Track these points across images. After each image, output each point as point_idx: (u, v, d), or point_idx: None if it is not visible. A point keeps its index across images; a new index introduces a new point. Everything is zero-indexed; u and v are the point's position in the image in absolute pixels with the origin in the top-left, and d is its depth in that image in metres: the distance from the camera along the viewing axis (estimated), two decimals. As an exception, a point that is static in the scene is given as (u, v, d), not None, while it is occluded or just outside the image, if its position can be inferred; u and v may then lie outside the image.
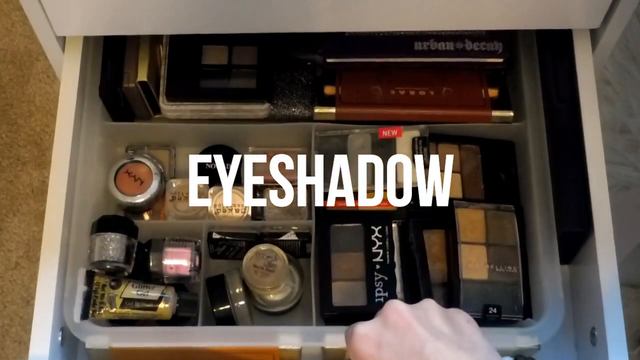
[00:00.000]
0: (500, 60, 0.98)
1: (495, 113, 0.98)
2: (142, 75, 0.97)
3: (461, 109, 0.98)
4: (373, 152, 0.96)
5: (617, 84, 1.50)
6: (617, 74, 1.50)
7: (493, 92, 0.99)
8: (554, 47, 0.96)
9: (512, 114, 0.98)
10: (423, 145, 0.95)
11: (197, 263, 0.92)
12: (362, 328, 0.67)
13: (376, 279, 0.92)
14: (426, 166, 0.94)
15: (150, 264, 0.92)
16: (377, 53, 0.98)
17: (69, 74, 0.95)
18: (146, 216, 1.01)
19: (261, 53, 0.99)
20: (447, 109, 0.98)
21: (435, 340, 0.65)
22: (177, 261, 0.92)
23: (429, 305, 0.68)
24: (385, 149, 0.96)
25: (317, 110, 0.99)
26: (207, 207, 0.98)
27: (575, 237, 0.92)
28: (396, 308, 0.67)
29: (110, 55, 0.98)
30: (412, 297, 0.92)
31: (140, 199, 0.98)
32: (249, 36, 0.96)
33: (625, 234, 1.30)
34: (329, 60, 0.99)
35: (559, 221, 0.91)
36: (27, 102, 1.55)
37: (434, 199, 0.95)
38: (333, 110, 0.98)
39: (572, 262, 0.97)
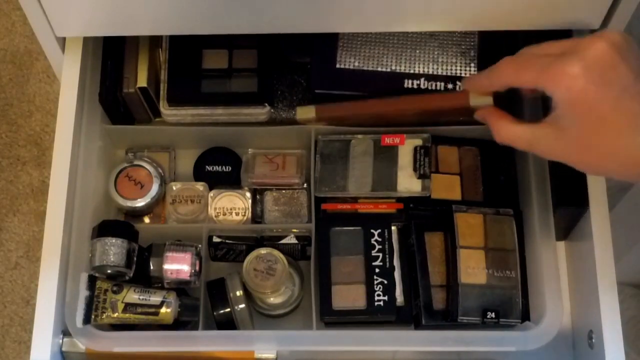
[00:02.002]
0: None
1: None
2: (142, 81, 0.97)
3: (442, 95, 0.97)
4: (375, 158, 0.96)
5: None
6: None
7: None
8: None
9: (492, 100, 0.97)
10: (424, 155, 0.95)
11: (197, 268, 0.92)
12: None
13: (376, 282, 0.93)
14: (426, 176, 0.95)
15: (151, 268, 0.92)
16: (367, 88, 0.97)
17: (69, 75, 0.95)
18: (146, 220, 1.01)
19: (261, 56, 1.00)
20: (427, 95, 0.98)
21: None
22: (178, 266, 0.92)
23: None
24: (386, 155, 0.96)
25: (298, 109, 0.98)
26: (207, 211, 0.98)
27: (570, 213, 0.93)
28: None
29: (109, 60, 0.98)
30: (411, 300, 0.93)
31: (140, 202, 0.98)
32: (249, 39, 0.96)
33: (625, 234, 1.30)
34: (317, 91, 0.98)
35: (554, 197, 0.92)
36: (27, 102, 1.55)
37: (434, 202, 0.95)
38: (313, 108, 0.96)
39: (568, 238, 1.00)
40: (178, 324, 0.91)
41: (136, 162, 1.00)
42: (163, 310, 0.90)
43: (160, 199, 1.00)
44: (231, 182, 1.01)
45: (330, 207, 0.97)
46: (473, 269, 0.92)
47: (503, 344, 0.89)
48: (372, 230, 0.95)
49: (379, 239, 0.95)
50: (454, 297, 0.91)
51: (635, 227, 1.30)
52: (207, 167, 1.03)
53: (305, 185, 1.00)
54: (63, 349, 0.89)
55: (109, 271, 0.90)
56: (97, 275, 0.91)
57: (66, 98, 0.95)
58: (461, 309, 0.90)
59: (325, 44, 0.98)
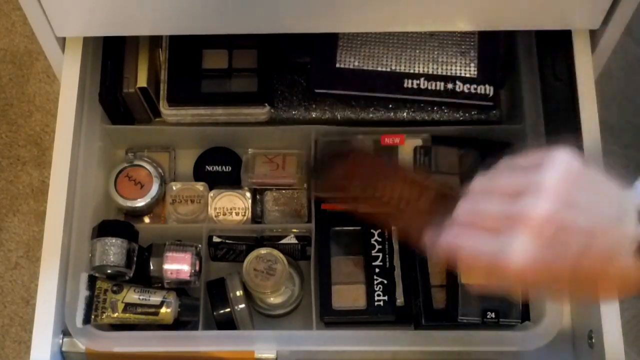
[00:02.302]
0: (491, 104, 0.99)
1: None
2: (142, 81, 0.98)
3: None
4: (375, 159, 0.96)
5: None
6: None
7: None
8: (554, 48, 0.96)
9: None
10: (425, 155, 0.95)
11: (197, 268, 0.92)
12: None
13: (376, 282, 0.93)
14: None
15: (151, 268, 0.92)
16: (367, 87, 0.98)
17: (69, 75, 0.96)
18: (146, 219, 1.01)
19: (261, 56, 1.00)
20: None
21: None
22: (178, 266, 0.92)
23: None
24: (386, 155, 0.96)
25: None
26: (207, 211, 0.98)
27: None
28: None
29: (109, 60, 0.98)
30: (411, 300, 0.93)
31: (140, 202, 0.98)
32: (249, 39, 0.96)
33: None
34: (317, 91, 0.99)
35: None
36: (27, 102, 1.55)
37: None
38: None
39: None
40: (178, 324, 0.91)
41: (136, 162, 1.00)
42: (163, 310, 0.90)
43: (160, 199, 1.00)
44: (231, 182, 1.01)
45: (330, 207, 0.97)
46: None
47: (503, 344, 0.89)
48: (372, 230, 0.95)
49: (379, 239, 0.95)
50: (454, 297, 0.91)
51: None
52: (207, 167, 1.03)
53: (305, 185, 1.00)
54: (63, 349, 0.89)
55: (109, 271, 0.90)
56: (97, 275, 0.91)
57: (66, 98, 0.95)
58: (461, 309, 0.90)
59: (325, 44, 0.99)
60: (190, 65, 0.99)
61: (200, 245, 0.93)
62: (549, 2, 0.87)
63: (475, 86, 0.98)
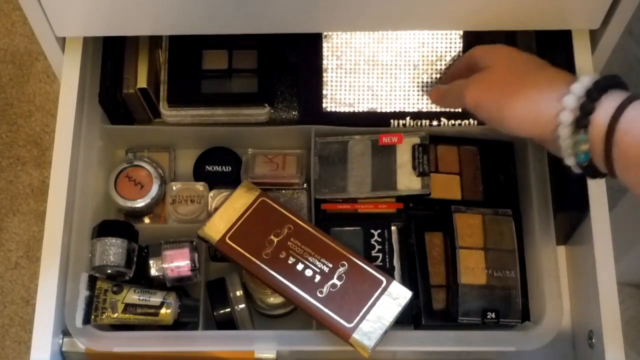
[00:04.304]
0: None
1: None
2: (142, 82, 0.98)
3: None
4: (373, 158, 0.96)
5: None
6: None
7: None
8: (554, 48, 0.96)
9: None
10: (423, 153, 0.95)
11: (196, 262, 0.92)
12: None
13: (376, 282, 0.93)
14: (426, 174, 0.95)
15: (151, 269, 0.92)
16: (353, 124, 0.99)
17: (69, 75, 0.96)
18: (147, 220, 1.01)
19: (261, 56, 1.00)
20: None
21: None
22: (177, 263, 0.92)
23: None
24: (385, 155, 0.96)
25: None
26: (207, 211, 0.98)
27: (570, 218, 0.94)
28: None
29: (109, 60, 0.98)
30: (411, 300, 0.93)
31: (140, 203, 0.98)
32: (249, 40, 0.96)
33: (625, 235, 1.30)
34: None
35: (555, 202, 0.93)
36: (27, 102, 1.55)
37: (434, 201, 0.95)
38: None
39: (568, 243, 1.00)
40: (178, 325, 0.91)
41: (136, 163, 1.00)
42: (163, 311, 0.90)
43: (160, 199, 1.00)
44: (231, 182, 1.01)
45: (330, 207, 0.97)
46: (472, 270, 0.92)
47: (503, 344, 0.89)
48: (372, 231, 0.95)
49: (379, 239, 0.95)
50: (453, 297, 0.91)
51: (635, 227, 1.30)
52: (207, 167, 1.03)
53: (305, 185, 1.00)
54: (63, 349, 0.89)
55: (109, 271, 0.90)
56: (97, 275, 0.91)
57: (66, 98, 0.95)
58: (461, 309, 0.90)
59: (310, 90, 1.00)
60: (190, 66, 0.99)
61: (195, 240, 0.93)
62: (549, 2, 0.87)
63: (460, 121, 1.00)
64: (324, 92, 0.99)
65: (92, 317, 0.89)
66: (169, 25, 0.90)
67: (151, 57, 1.00)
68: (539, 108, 0.77)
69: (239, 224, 0.91)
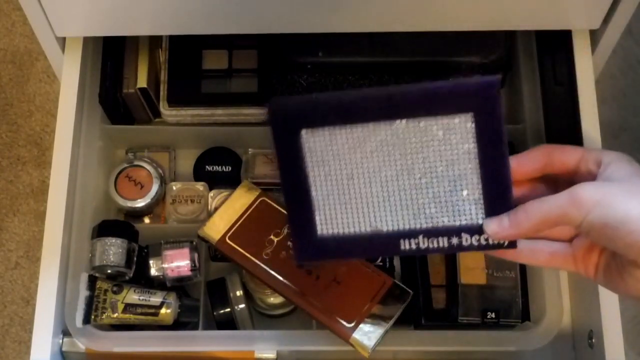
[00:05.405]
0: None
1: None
2: (142, 82, 0.98)
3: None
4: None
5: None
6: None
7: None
8: (554, 48, 0.96)
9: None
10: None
11: (196, 262, 0.92)
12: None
13: (376, 282, 0.92)
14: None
15: (151, 269, 0.92)
16: (357, 253, 0.79)
17: (69, 75, 0.96)
18: (147, 220, 1.01)
19: (261, 56, 1.00)
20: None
21: None
22: (177, 263, 0.92)
23: None
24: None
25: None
26: (207, 211, 0.98)
27: None
28: None
29: (109, 60, 0.98)
30: (411, 300, 0.93)
31: (140, 203, 0.98)
32: (249, 39, 0.96)
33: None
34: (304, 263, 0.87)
35: None
36: (27, 102, 1.54)
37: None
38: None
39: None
40: (178, 325, 0.91)
41: (136, 162, 1.00)
42: (163, 311, 0.90)
43: (160, 199, 1.00)
44: (231, 182, 1.01)
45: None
46: (472, 270, 0.92)
47: (503, 344, 0.89)
48: (372, 231, 0.94)
49: (379, 239, 0.94)
50: (453, 297, 0.91)
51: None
52: (207, 167, 1.03)
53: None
54: (63, 349, 0.89)
55: (109, 271, 0.90)
56: (97, 275, 0.91)
57: (66, 98, 0.95)
58: (461, 309, 0.90)
59: (301, 215, 0.74)
60: (190, 66, 0.99)
61: (195, 240, 0.93)
62: (549, 2, 0.87)
63: (482, 237, 0.70)
64: (316, 212, 0.73)
65: (92, 317, 0.89)
66: (169, 25, 0.90)
67: (151, 57, 1.00)
68: None
69: (239, 223, 0.91)
